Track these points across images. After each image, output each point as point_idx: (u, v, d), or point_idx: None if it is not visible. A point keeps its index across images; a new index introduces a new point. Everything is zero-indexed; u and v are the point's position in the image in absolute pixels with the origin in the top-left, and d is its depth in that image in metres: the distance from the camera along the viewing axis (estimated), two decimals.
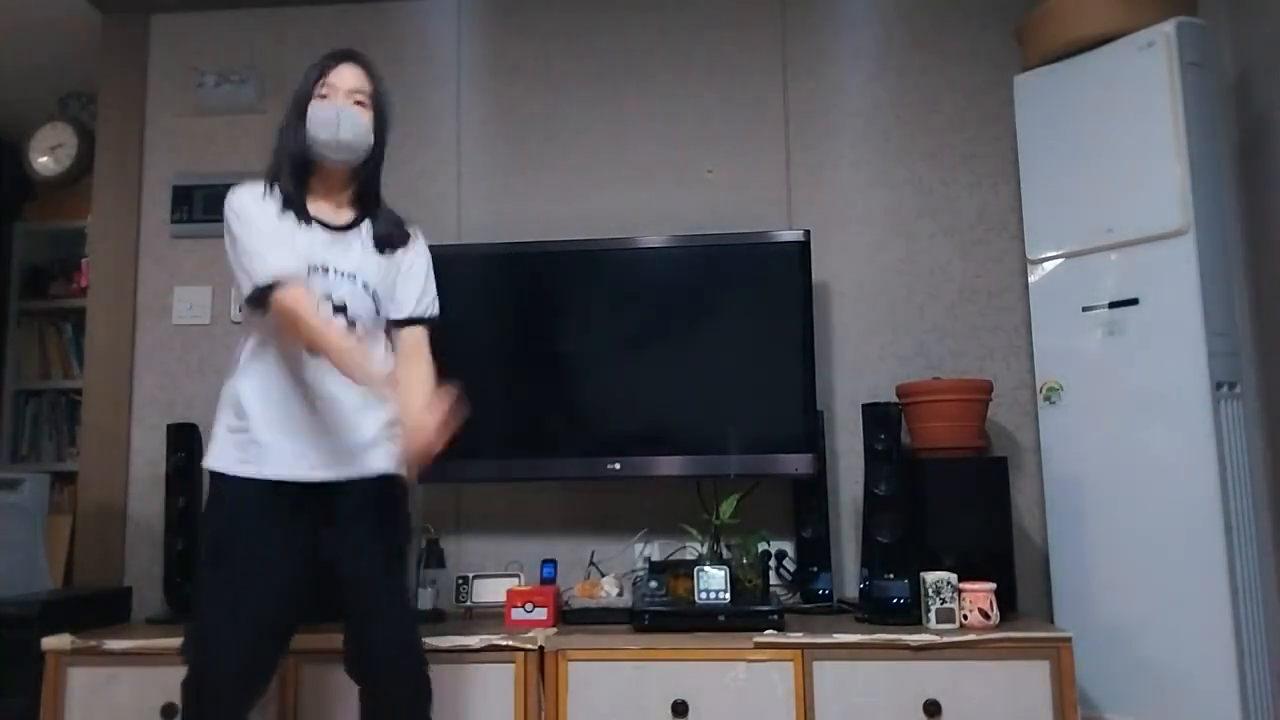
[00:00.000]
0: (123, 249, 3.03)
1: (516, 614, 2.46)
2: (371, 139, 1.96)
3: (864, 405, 2.53)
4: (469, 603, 2.61)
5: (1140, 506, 2.37)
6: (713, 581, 2.35)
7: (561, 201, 2.94)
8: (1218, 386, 2.30)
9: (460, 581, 2.63)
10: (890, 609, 2.36)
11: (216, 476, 1.91)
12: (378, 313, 1.98)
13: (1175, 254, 2.35)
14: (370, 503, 1.94)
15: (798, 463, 2.53)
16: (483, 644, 2.28)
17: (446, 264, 2.77)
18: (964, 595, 2.28)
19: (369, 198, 2.02)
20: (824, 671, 2.21)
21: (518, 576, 2.63)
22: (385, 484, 1.97)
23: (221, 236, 2.97)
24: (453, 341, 2.77)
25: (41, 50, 3.37)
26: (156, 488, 2.82)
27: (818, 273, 2.72)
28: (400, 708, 1.94)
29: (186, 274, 3.02)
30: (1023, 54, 2.74)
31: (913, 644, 2.20)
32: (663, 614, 2.35)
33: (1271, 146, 2.53)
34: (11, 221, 3.74)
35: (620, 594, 2.51)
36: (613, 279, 2.67)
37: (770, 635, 2.24)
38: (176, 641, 2.34)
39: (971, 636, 2.21)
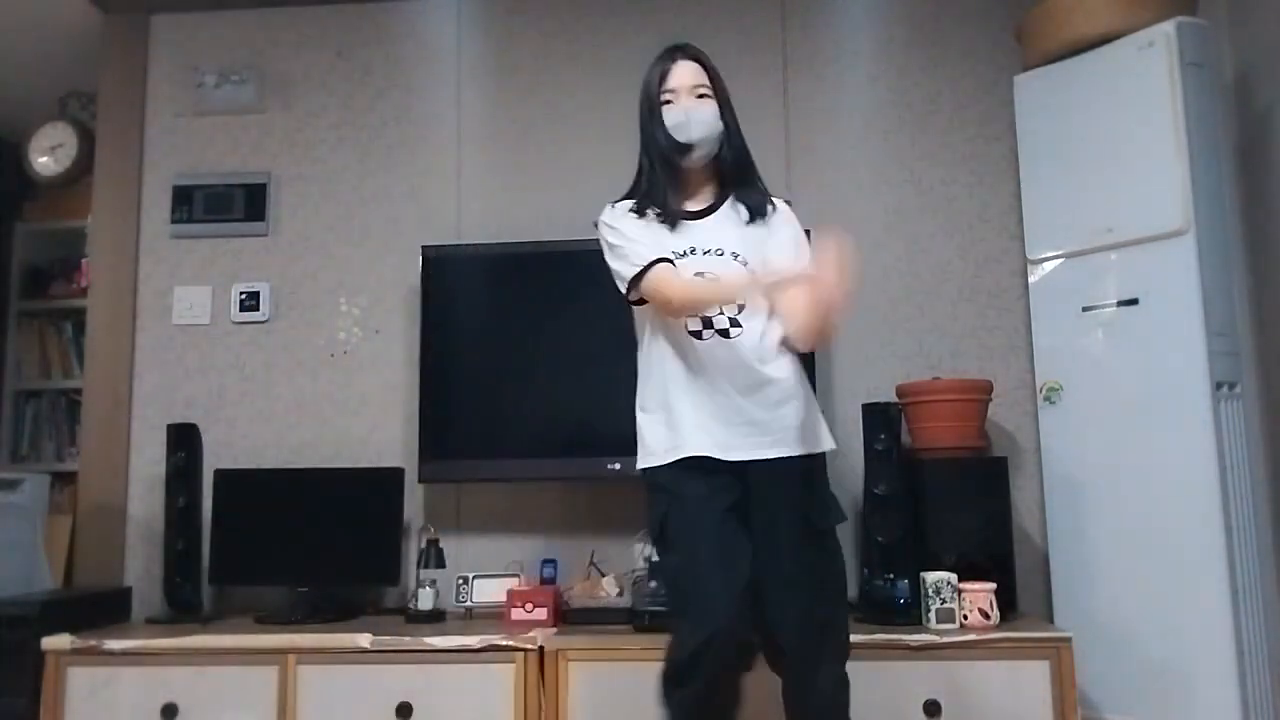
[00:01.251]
0: (123, 249, 3.03)
1: (516, 614, 2.46)
2: (720, 126, 1.99)
3: (864, 405, 2.53)
4: (469, 603, 2.61)
5: (1140, 506, 2.37)
6: None
7: (561, 201, 2.93)
8: (1218, 386, 2.30)
9: (460, 581, 2.63)
10: (890, 609, 2.36)
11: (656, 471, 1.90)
12: None
13: (1175, 254, 2.35)
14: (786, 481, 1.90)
15: None
16: (483, 644, 2.28)
17: (447, 264, 2.79)
18: (964, 595, 2.28)
19: (733, 178, 2.03)
20: None
21: (518, 576, 2.63)
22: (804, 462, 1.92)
23: (221, 236, 3.02)
24: (453, 342, 2.78)
25: (41, 50, 3.36)
26: (156, 488, 2.82)
27: None
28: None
29: (186, 274, 3.02)
30: (1023, 54, 2.73)
31: (913, 644, 2.20)
32: (663, 614, 2.35)
33: (1271, 146, 2.53)
34: (11, 221, 3.74)
35: (620, 594, 2.51)
36: (613, 278, 2.66)
37: None
38: (177, 642, 2.35)
39: (971, 636, 2.21)
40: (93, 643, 2.35)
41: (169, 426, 2.72)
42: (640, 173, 2.02)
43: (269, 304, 2.97)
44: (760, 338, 1.91)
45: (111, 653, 2.34)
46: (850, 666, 2.21)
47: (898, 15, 2.94)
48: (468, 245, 2.84)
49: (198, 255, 3.02)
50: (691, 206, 2.00)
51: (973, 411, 2.55)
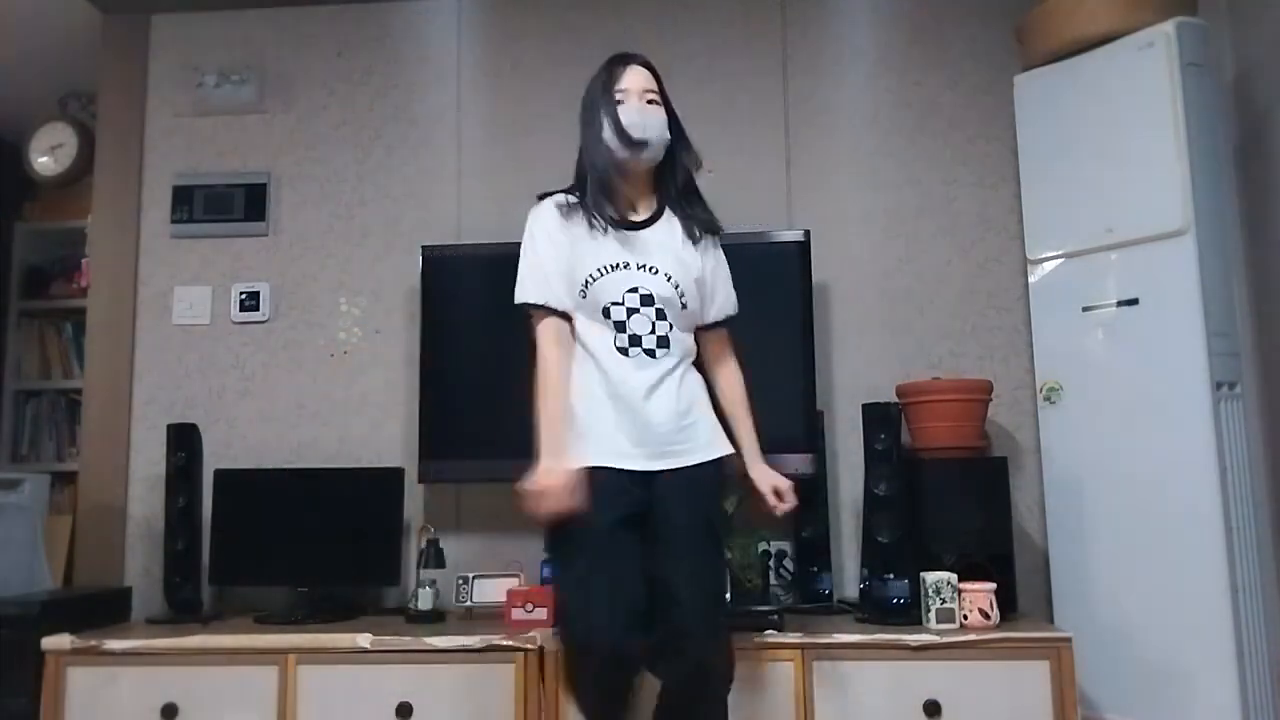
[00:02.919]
0: (123, 249, 3.03)
1: (516, 614, 2.46)
2: (668, 136, 2.00)
3: (864, 405, 2.53)
4: (469, 603, 2.61)
5: (1140, 506, 2.37)
6: None
7: None
8: (1218, 386, 2.30)
9: (460, 581, 2.63)
10: (890, 609, 2.36)
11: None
12: (683, 306, 1.98)
13: (1175, 254, 2.35)
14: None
15: (798, 463, 2.52)
16: (483, 644, 2.28)
17: (447, 264, 2.79)
18: (964, 595, 2.28)
19: (674, 191, 2.05)
20: (824, 671, 2.21)
21: (518, 576, 2.63)
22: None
23: (221, 236, 3.02)
24: (453, 342, 2.78)
25: (41, 50, 3.36)
26: (156, 488, 2.82)
27: (818, 273, 2.72)
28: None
29: (186, 274, 3.02)
30: (1023, 54, 2.73)
31: (913, 644, 2.20)
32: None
33: (1271, 146, 2.53)
34: (11, 221, 3.74)
35: None
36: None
37: (770, 635, 2.24)
38: (177, 642, 2.35)
39: (971, 636, 2.21)
40: (93, 643, 2.35)
41: (169, 426, 2.72)
42: (580, 177, 2.02)
43: (269, 304, 2.97)
44: (675, 359, 1.97)
45: (111, 653, 2.34)
46: (850, 666, 2.23)
47: (898, 15, 2.94)
48: (468, 245, 2.84)
49: (198, 255, 3.02)
50: (633, 216, 2.01)
51: (973, 411, 2.55)
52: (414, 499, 2.81)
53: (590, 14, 3.03)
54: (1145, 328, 2.40)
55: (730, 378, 2.11)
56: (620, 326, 1.94)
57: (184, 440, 2.69)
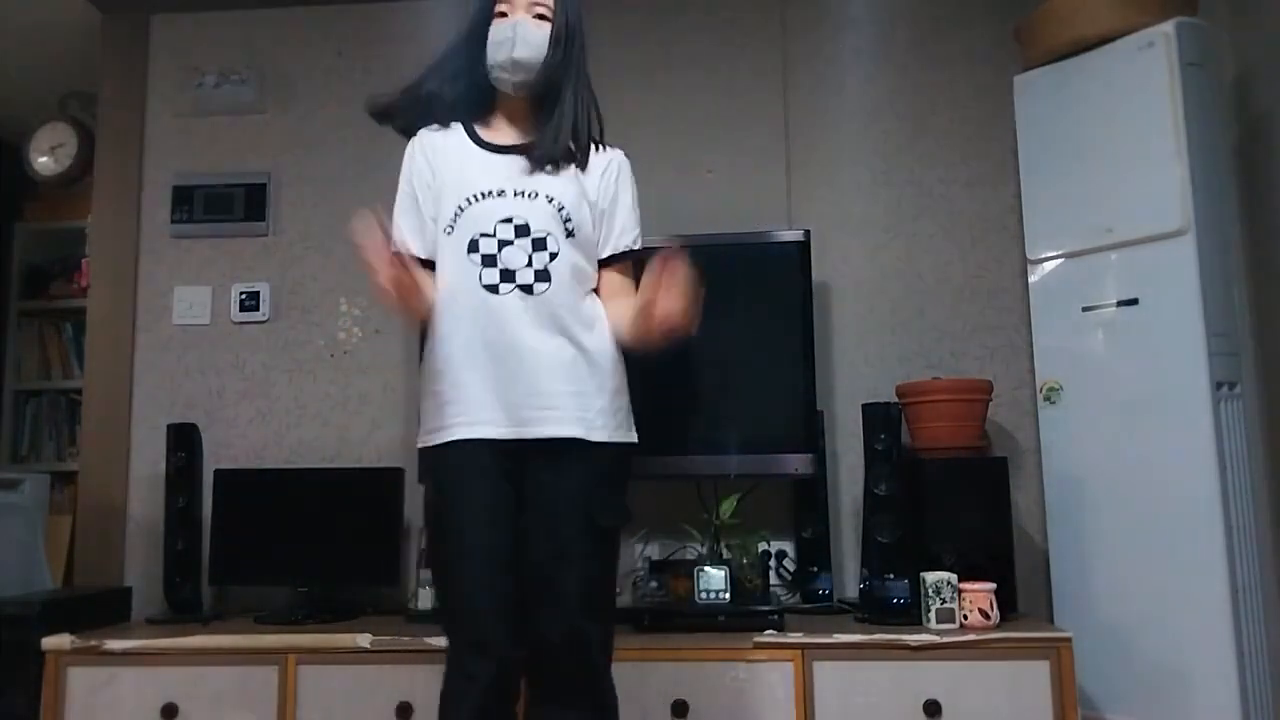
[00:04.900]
0: (123, 249, 3.03)
1: None
2: (546, 54, 1.77)
3: (864, 405, 2.53)
4: None
5: (1140, 507, 2.37)
6: (713, 581, 2.35)
7: None
8: (1218, 386, 2.30)
9: None
10: (890, 609, 2.36)
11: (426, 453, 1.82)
12: (569, 234, 1.75)
13: (1175, 254, 2.35)
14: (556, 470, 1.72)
15: (798, 463, 2.52)
16: None
17: None
18: (964, 595, 2.28)
19: (561, 117, 1.81)
20: (824, 671, 2.21)
21: None
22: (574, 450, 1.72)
23: (221, 236, 3.01)
24: None
25: (41, 50, 3.37)
26: (156, 488, 2.82)
27: (818, 273, 2.72)
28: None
29: (186, 274, 3.02)
30: (1023, 54, 2.73)
31: (913, 644, 2.20)
32: (663, 614, 2.35)
33: (1271, 146, 2.53)
34: (11, 221, 3.75)
35: (620, 594, 2.51)
36: None
37: (770, 635, 2.24)
38: (177, 642, 2.35)
39: (971, 636, 2.21)
40: (93, 643, 2.35)
41: (169, 426, 2.72)
42: (434, 85, 1.81)
43: (269, 304, 2.97)
44: (563, 296, 1.72)
45: (111, 653, 2.34)
46: (850, 666, 2.22)
47: (898, 15, 2.94)
48: None
49: (198, 255, 3.02)
50: (508, 140, 1.82)
51: (973, 411, 2.55)
52: (414, 499, 2.81)
53: (589, 14, 3.01)
54: (1145, 328, 2.40)
55: (617, 310, 1.81)
56: (489, 261, 1.72)
57: (184, 440, 2.69)
